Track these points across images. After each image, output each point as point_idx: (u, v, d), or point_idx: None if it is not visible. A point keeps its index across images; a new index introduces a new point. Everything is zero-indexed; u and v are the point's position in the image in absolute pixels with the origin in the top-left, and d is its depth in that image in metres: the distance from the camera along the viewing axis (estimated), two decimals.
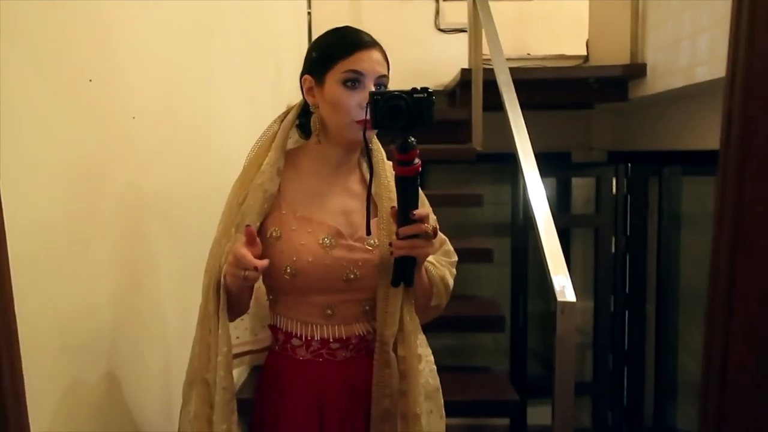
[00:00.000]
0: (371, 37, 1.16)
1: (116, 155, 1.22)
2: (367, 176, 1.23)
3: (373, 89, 1.11)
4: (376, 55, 1.14)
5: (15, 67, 0.90)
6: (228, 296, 1.11)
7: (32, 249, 0.93)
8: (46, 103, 0.99)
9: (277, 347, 1.22)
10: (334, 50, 1.14)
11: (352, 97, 1.12)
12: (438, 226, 1.14)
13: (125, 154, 1.26)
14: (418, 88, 1.04)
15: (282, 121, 1.23)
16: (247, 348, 1.34)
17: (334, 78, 1.13)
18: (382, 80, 1.14)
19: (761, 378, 0.49)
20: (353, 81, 1.12)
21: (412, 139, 1.04)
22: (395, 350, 1.18)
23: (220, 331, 1.10)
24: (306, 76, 1.18)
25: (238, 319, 1.31)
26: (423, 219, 1.07)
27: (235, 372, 1.45)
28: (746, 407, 0.50)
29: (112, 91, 1.20)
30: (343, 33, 1.17)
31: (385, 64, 1.16)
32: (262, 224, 1.16)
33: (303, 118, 1.23)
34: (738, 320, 0.49)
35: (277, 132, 1.21)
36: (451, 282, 1.28)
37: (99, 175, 1.15)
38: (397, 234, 1.08)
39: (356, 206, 1.20)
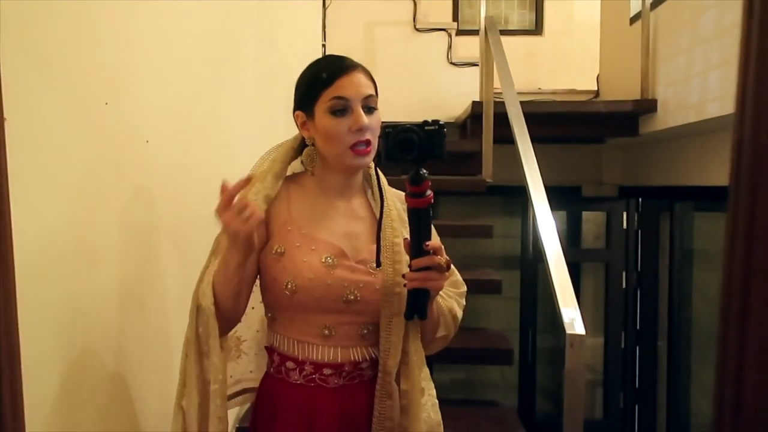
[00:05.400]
0: (351, 60, 1.16)
1: (129, 177, 1.23)
2: (372, 202, 1.23)
3: (361, 112, 1.12)
4: (357, 77, 1.14)
5: (33, 88, 0.92)
6: (224, 287, 1.10)
7: (38, 263, 0.94)
8: (61, 124, 1.00)
9: (271, 369, 1.21)
10: (317, 81, 1.14)
11: (342, 124, 1.12)
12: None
13: (138, 175, 1.27)
14: (430, 121, 1.05)
15: (276, 153, 1.24)
16: (251, 384, 1.33)
17: (321, 109, 1.14)
18: (369, 101, 1.14)
19: None
20: (341, 109, 1.12)
21: (424, 171, 1.04)
22: (398, 382, 1.17)
23: (214, 359, 1.11)
24: (297, 112, 1.20)
25: (244, 355, 1.31)
26: (436, 251, 1.07)
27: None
28: None
29: (128, 115, 1.22)
30: (323, 63, 1.18)
31: (370, 83, 1.16)
32: (267, 241, 1.16)
33: (301, 151, 1.24)
34: (752, 349, 0.48)
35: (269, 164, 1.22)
36: (459, 313, 1.27)
37: (110, 195, 1.16)
38: (410, 266, 1.08)
39: (360, 230, 1.21)
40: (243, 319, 1.22)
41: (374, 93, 1.16)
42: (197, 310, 1.12)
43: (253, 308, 1.27)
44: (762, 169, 0.48)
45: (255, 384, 1.30)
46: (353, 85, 1.12)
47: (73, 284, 1.04)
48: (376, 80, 1.18)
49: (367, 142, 1.13)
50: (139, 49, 1.27)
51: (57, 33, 0.99)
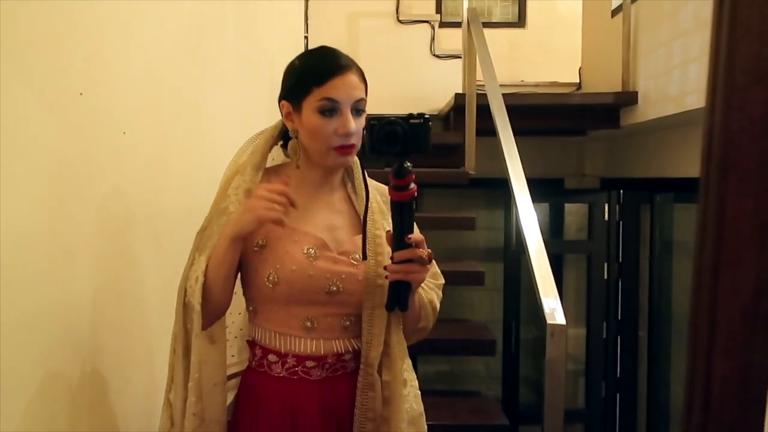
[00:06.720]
0: (347, 59, 1.15)
1: (105, 170, 1.22)
2: (352, 195, 1.24)
3: (350, 116, 1.12)
4: (351, 79, 1.12)
5: (4, 77, 0.90)
6: (215, 270, 1.10)
7: (11, 259, 0.92)
8: (35, 115, 0.99)
9: (253, 363, 1.21)
10: (309, 77, 1.12)
11: (329, 125, 1.11)
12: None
13: (114, 168, 1.25)
14: (415, 114, 1.05)
15: (255, 144, 1.23)
16: (235, 369, 1.32)
17: (310, 106, 1.12)
18: (359, 104, 1.13)
19: (744, 392, 0.48)
20: (330, 110, 1.11)
21: (408, 164, 1.04)
22: (380, 373, 1.17)
23: (193, 357, 1.11)
24: (284, 102, 1.18)
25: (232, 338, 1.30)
26: (418, 244, 1.07)
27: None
28: (730, 422, 0.49)
29: (103, 106, 1.20)
30: (318, 58, 1.16)
31: (362, 86, 1.15)
32: (249, 235, 1.15)
33: (284, 140, 1.23)
34: (721, 335, 0.49)
35: (248, 157, 1.21)
36: (438, 305, 1.28)
37: (85, 188, 1.15)
38: (392, 258, 1.08)
39: (341, 223, 1.21)
40: None
41: (365, 95, 1.15)
42: (185, 306, 1.12)
43: (235, 293, 1.27)
44: (731, 157, 0.48)
45: (239, 368, 1.29)
46: (345, 87, 1.11)
47: (48, 281, 1.03)
48: None
49: (351, 144, 1.13)
50: (115, 38, 1.25)
51: (30, 20, 0.97)
